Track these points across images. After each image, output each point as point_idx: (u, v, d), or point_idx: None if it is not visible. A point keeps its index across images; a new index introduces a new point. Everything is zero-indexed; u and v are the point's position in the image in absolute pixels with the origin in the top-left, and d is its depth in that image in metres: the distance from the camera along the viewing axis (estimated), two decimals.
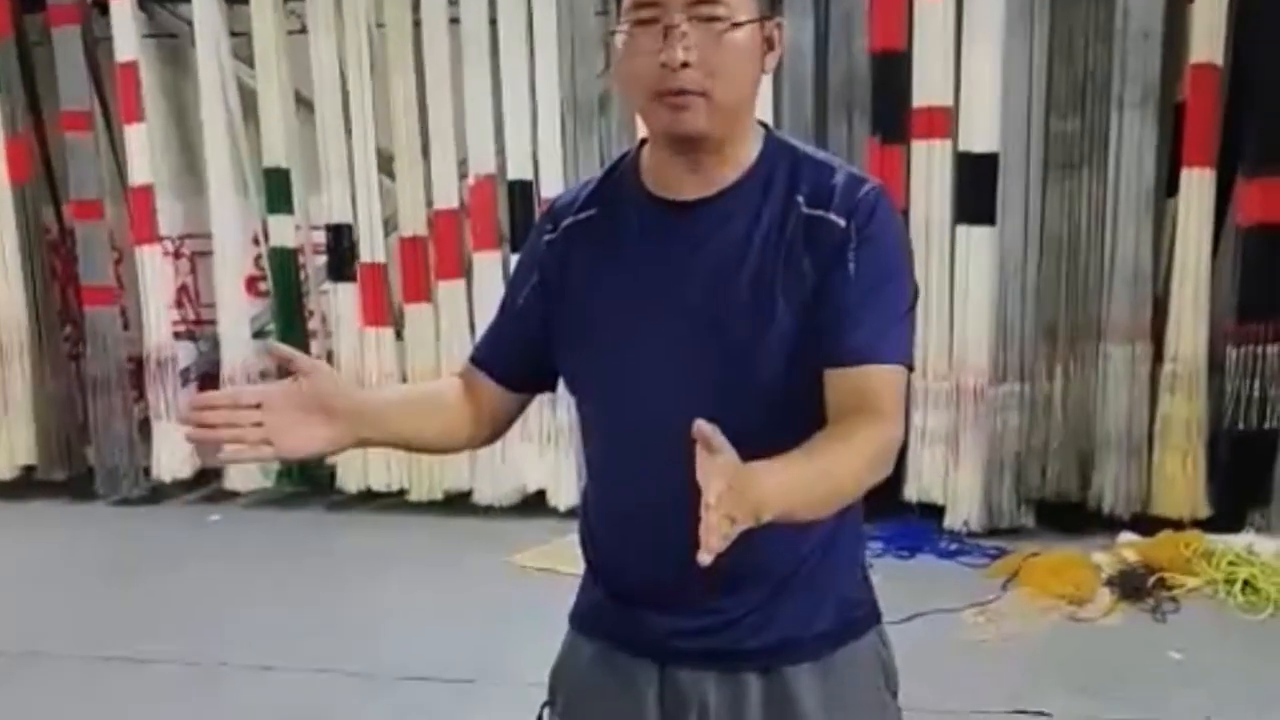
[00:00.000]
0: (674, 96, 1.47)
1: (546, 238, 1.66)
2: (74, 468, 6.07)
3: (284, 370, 1.54)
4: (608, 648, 1.67)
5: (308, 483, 5.77)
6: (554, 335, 1.64)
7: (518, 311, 1.70)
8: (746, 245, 1.52)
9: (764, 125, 1.61)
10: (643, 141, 1.61)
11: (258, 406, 1.50)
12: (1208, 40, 4.59)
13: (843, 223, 1.49)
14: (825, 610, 1.60)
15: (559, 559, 4.26)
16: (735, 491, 1.24)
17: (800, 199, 1.52)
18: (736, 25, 1.46)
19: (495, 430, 1.76)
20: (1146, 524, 4.75)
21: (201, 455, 5.86)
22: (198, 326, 6.20)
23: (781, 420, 1.45)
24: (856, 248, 1.49)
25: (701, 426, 1.25)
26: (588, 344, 1.61)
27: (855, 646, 1.63)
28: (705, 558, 1.21)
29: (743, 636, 1.58)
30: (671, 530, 1.49)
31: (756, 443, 1.33)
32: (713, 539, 1.22)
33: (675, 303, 1.53)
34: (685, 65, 1.45)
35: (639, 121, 1.63)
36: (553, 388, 1.73)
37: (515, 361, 1.71)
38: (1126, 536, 4.68)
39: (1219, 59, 4.61)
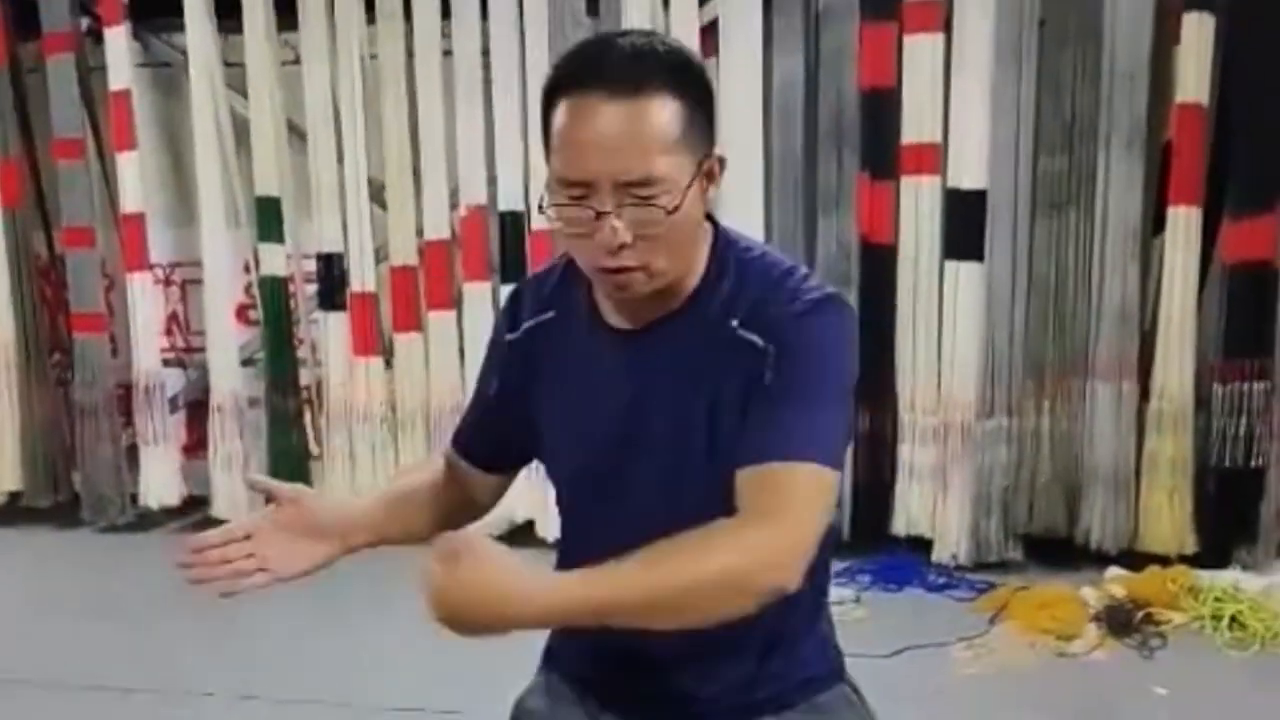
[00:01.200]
0: (613, 275, 1.44)
1: (509, 337, 1.66)
2: (60, 494, 6.04)
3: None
4: (571, 687, 1.68)
5: None
6: (521, 430, 1.65)
7: (490, 402, 1.71)
8: (679, 375, 1.48)
9: (713, 223, 1.55)
10: None
11: (248, 538, 1.59)
12: (1194, 80, 4.64)
13: (763, 343, 1.43)
14: (785, 672, 1.59)
15: None
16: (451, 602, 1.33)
17: (734, 322, 1.46)
18: (675, 209, 1.39)
19: (486, 507, 1.80)
20: (1133, 559, 4.75)
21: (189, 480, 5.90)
22: (187, 354, 6.20)
23: None
24: (775, 361, 1.42)
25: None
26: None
27: (820, 701, 1.61)
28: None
29: (698, 702, 1.58)
30: None
31: None
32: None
33: (618, 435, 1.53)
34: (622, 246, 1.40)
35: None
36: (531, 459, 1.73)
37: (493, 447, 1.74)
38: (1114, 572, 4.69)
39: (1205, 99, 4.65)
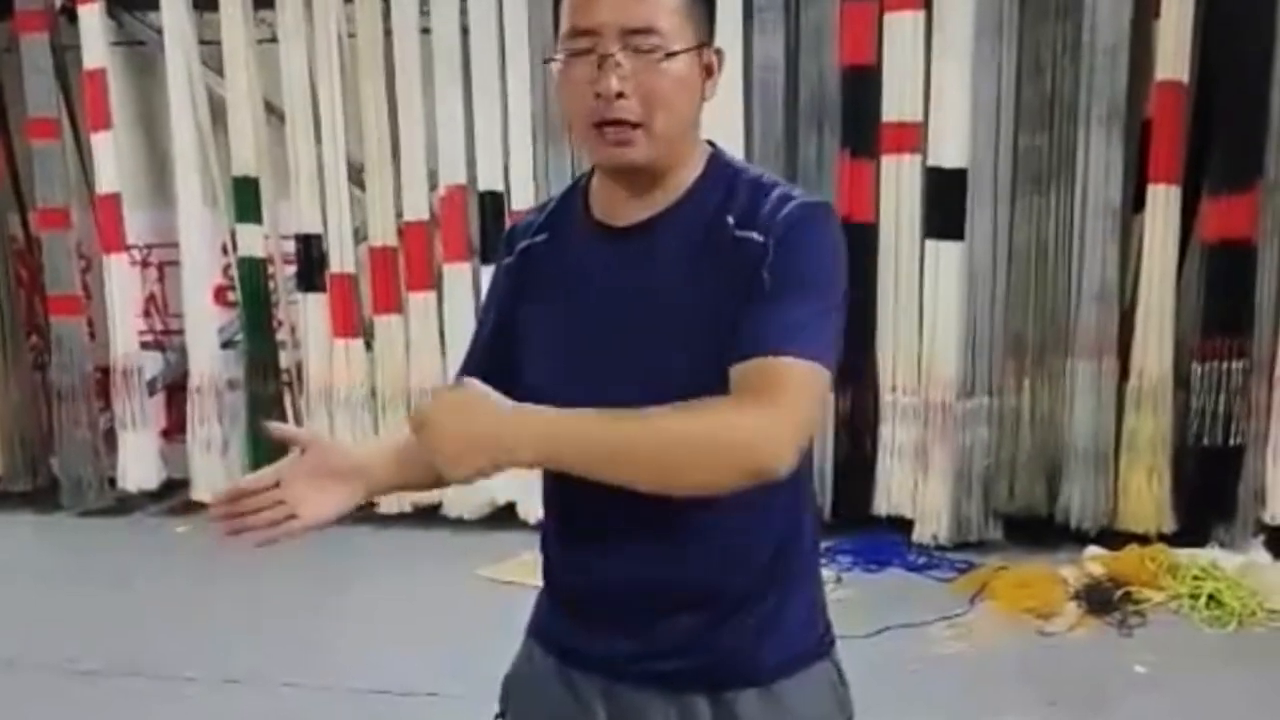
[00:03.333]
0: (612, 128, 1.47)
1: (505, 262, 1.69)
2: (39, 478, 6.03)
3: (280, 446, 1.61)
4: (559, 661, 1.68)
5: None
6: (516, 354, 1.65)
7: (488, 338, 1.72)
8: (676, 269, 1.51)
9: (711, 145, 1.61)
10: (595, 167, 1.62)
11: (277, 485, 1.58)
12: (1173, 58, 4.64)
13: (761, 239, 1.47)
14: (774, 637, 1.59)
15: (528, 572, 4.21)
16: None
17: (730, 220, 1.50)
18: (672, 55, 1.45)
19: None
20: (1113, 538, 4.78)
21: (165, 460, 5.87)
22: (165, 336, 6.17)
23: None
24: (772, 259, 1.46)
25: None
26: (535, 365, 1.64)
27: (806, 675, 1.61)
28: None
29: (688, 659, 1.57)
30: (614, 550, 1.55)
31: None
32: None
33: (607, 326, 1.54)
34: (621, 96, 1.45)
35: None
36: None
37: (494, 382, 1.72)
38: (1093, 550, 4.71)
39: (1184, 76, 4.65)
